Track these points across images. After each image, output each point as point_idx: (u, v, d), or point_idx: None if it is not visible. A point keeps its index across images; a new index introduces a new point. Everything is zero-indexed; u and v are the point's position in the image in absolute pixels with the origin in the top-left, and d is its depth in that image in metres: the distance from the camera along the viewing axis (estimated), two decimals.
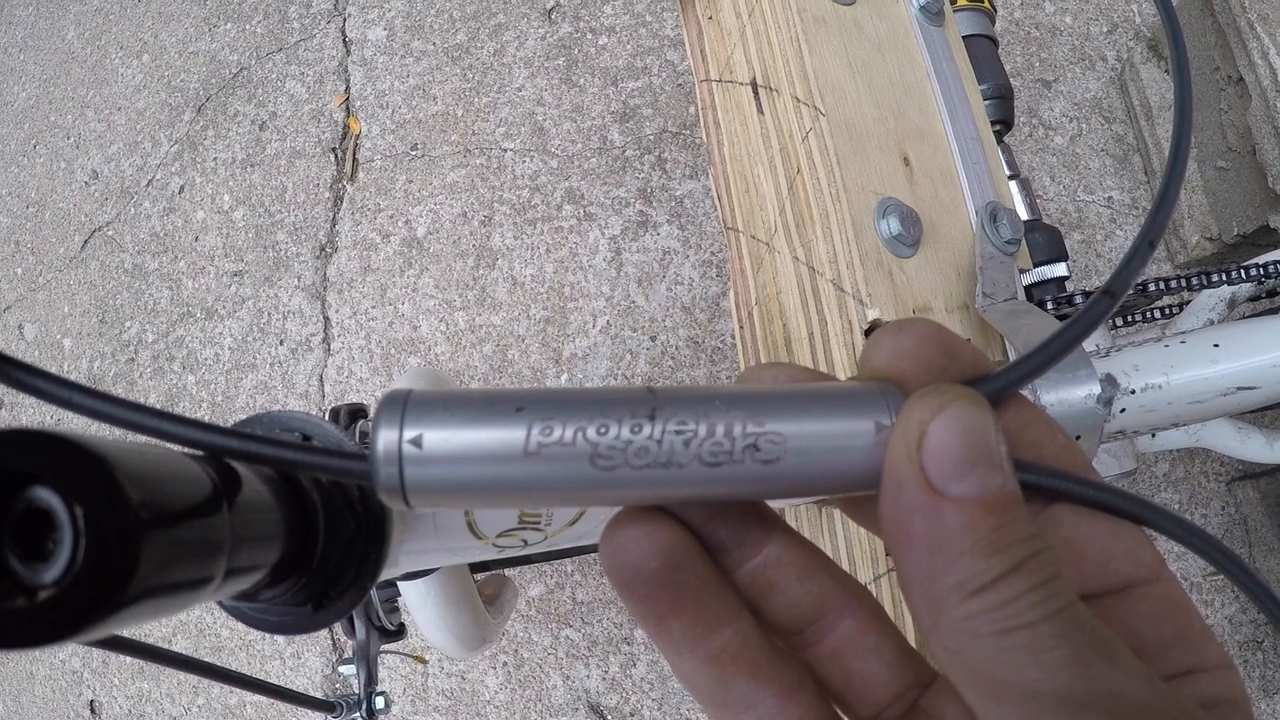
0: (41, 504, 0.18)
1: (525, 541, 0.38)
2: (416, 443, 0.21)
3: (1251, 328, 0.49)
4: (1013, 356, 0.47)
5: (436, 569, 0.51)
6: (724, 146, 0.65)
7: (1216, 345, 0.47)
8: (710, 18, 0.71)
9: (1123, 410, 0.46)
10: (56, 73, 2.38)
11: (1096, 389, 0.45)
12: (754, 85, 0.63)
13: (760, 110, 0.62)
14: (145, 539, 0.18)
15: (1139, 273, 0.25)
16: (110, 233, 2.03)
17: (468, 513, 0.35)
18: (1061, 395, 0.44)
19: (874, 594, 0.50)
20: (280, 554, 0.26)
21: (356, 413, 0.64)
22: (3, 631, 0.16)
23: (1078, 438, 0.45)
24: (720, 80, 0.68)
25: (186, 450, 0.23)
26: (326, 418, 0.53)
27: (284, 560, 0.26)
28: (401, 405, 0.21)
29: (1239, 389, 0.47)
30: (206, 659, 0.48)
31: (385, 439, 0.21)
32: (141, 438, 0.22)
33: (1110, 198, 1.51)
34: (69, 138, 2.24)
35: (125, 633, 0.23)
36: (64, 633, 0.17)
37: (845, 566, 0.52)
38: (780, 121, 0.59)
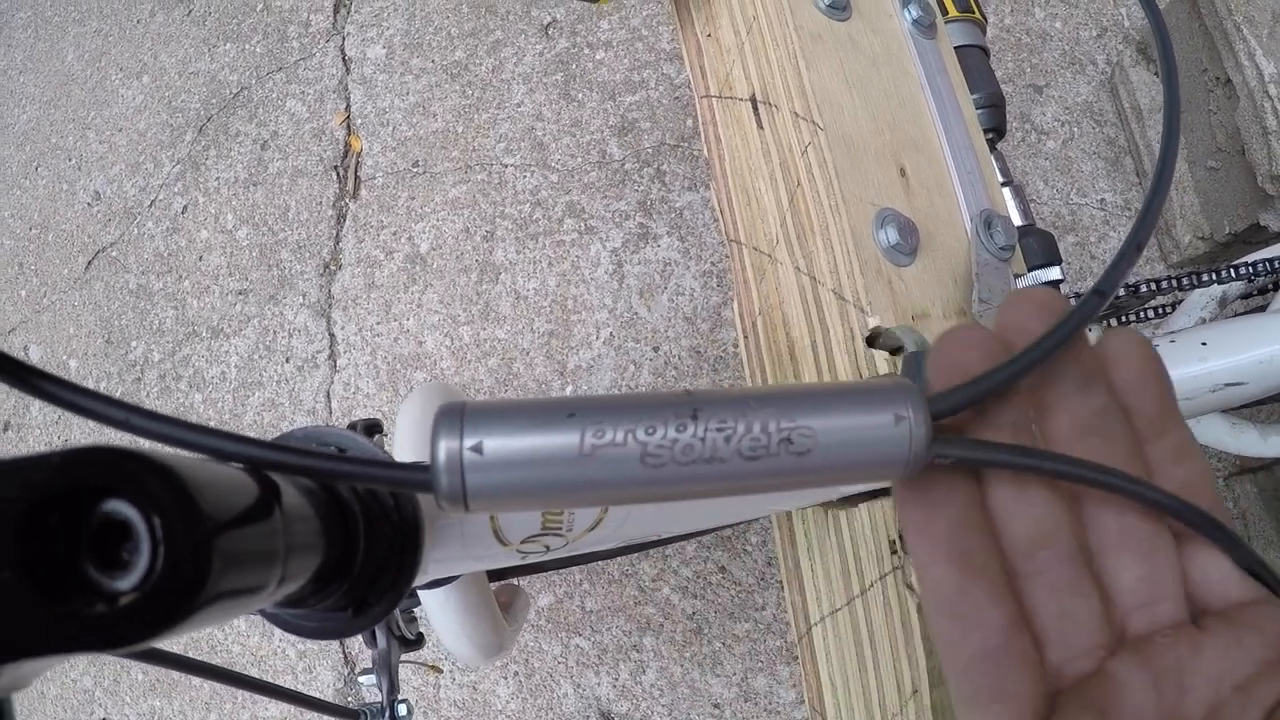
0: (118, 516, 0.19)
1: (547, 547, 0.40)
2: (477, 449, 0.23)
3: (1238, 326, 0.50)
4: None
5: (457, 577, 0.52)
6: (725, 161, 0.67)
7: (1204, 344, 0.49)
8: (709, 35, 0.73)
9: None
10: (57, 94, 2.40)
11: None
12: (753, 101, 0.65)
13: (760, 125, 0.63)
14: (216, 546, 0.19)
15: (1127, 273, 0.27)
16: (114, 253, 2.04)
17: (494, 519, 0.37)
18: None
19: (879, 592, 0.51)
20: (323, 560, 0.27)
21: (372, 428, 0.65)
22: (89, 635, 0.18)
23: None
24: (720, 96, 0.69)
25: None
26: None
27: (327, 567, 0.28)
28: (460, 415, 0.23)
29: (1227, 385, 0.48)
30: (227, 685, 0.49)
31: (447, 447, 0.23)
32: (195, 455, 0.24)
33: (1103, 200, 1.53)
34: (71, 159, 2.26)
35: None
36: (146, 634, 0.18)
37: (851, 565, 0.54)
38: (780, 136, 0.61)
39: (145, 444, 0.22)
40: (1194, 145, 1.48)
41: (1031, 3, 1.71)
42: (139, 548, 0.19)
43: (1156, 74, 1.58)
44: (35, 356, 2.02)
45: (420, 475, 0.23)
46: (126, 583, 0.19)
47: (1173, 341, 0.50)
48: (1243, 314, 0.87)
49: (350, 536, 0.29)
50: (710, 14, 0.73)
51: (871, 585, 0.52)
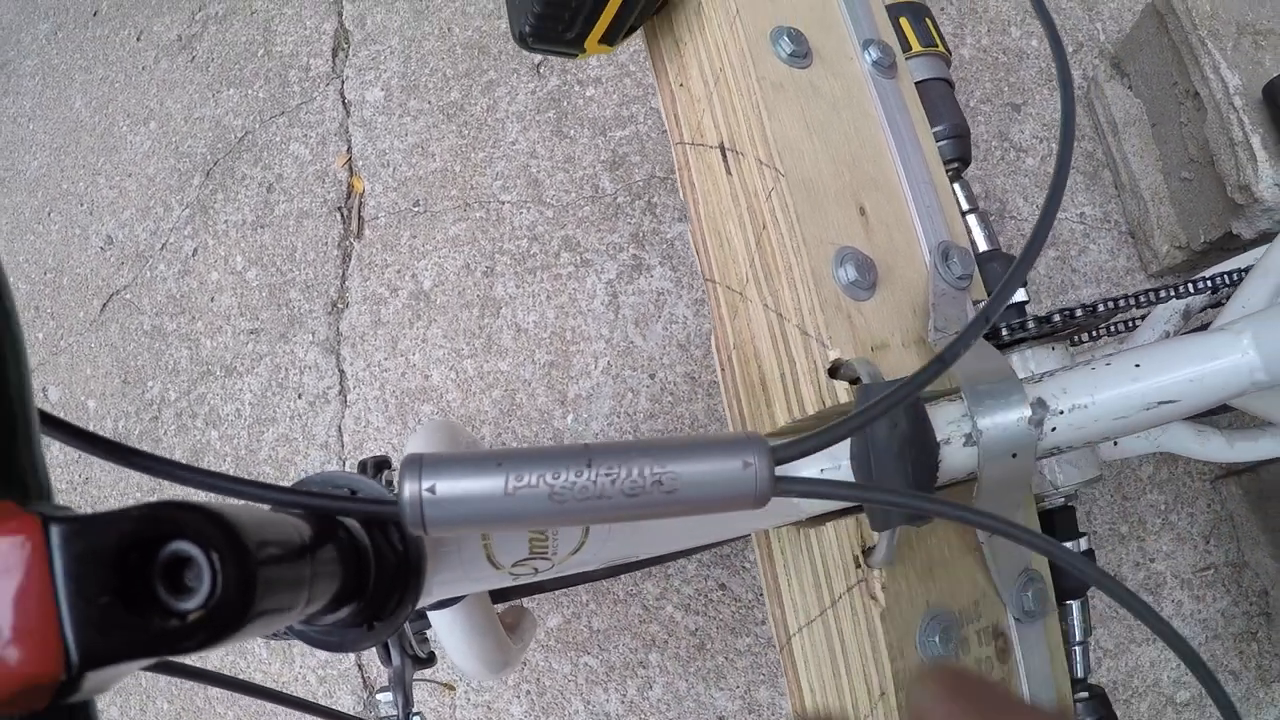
0: (183, 553, 0.24)
1: (536, 570, 0.45)
2: (432, 490, 0.31)
3: (1170, 347, 0.55)
4: (963, 383, 0.53)
5: (462, 598, 0.57)
6: (699, 205, 0.72)
7: (1138, 365, 0.53)
8: (681, 85, 0.78)
9: (1054, 429, 0.52)
10: (66, 141, 2.44)
11: (1028, 412, 0.51)
12: (722, 148, 0.70)
13: (729, 172, 0.68)
14: (259, 576, 0.24)
15: (972, 341, 0.33)
16: (128, 296, 2.09)
17: (486, 545, 0.42)
18: (996, 419, 0.51)
19: (847, 603, 0.56)
20: (340, 584, 0.33)
21: (381, 464, 0.71)
22: (166, 643, 0.23)
23: (1014, 456, 0.52)
24: (693, 143, 0.75)
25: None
26: (355, 469, 0.60)
27: (344, 589, 0.33)
28: (419, 464, 0.31)
29: (1160, 403, 0.53)
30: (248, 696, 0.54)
31: (410, 488, 0.31)
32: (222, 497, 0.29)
33: (1083, 213, 1.57)
34: (82, 204, 2.30)
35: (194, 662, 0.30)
36: (209, 643, 0.24)
37: (822, 579, 0.59)
38: (746, 182, 0.66)
39: (192, 492, 0.28)
40: (1168, 156, 1.52)
41: (1007, 22, 1.76)
42: (201, 577, 0.24)
43: (1130, 88, 1.63)
44: (54, 398, 2.08)
45: (392, 509, 0.32)
46: (192, 604, 0.24)
47: (1109, 364, 0.54)
48: (1185, 333, 0.92)
49: (362, 563, 0.34)
50: (682, 64, 0.78)
51: (840, 597, 0.57)
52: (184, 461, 0.30)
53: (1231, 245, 1.41)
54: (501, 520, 0.31)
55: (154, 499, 0.25)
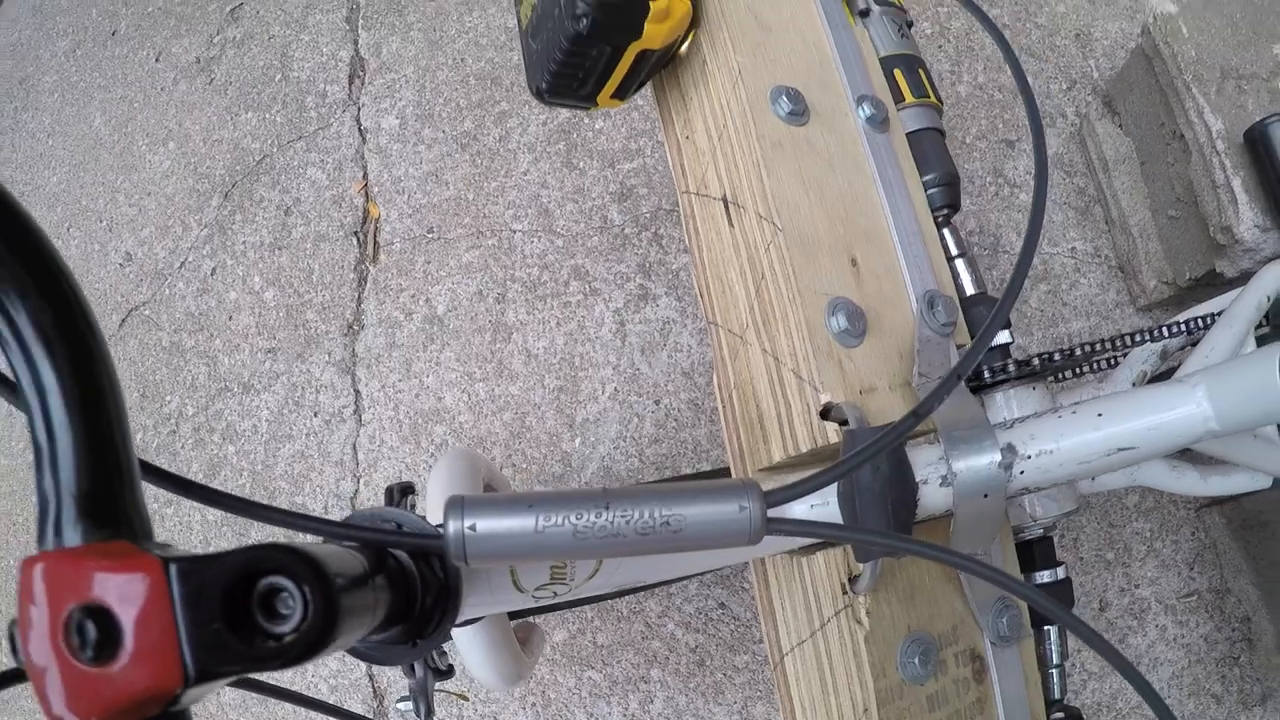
0: (278, 586, 0.30)
1: (555, 593, 0.50)
2: (473, 528, 0.36)
3: (1131, 397, 0.60)
4: (940, 428, 0.59)
5: (483, 617, 0.63)
6: (703, 252, 0.77)
7: (1100, 415, 0.59)
8: (687, 138, 0.83)
9: (1022, 472, 0.57)
10: (85, 158, 2.48)
11: (998, 456, 0.57)
12: (724, 201, 0.75)
13: (731, 224, 0.73)
14: (341, 603, 0.30)
15: (944, 398, 0.38)
16: (147, 312, 2.14)
17: (513, 572, 0.48)
18: (970, 463, 0.56)
19: (835, 626, 0.62)
20: (393, 607, 0.38)
21: (406, 489, 0.76)
22: (267, 661, 0.29)
23: (985, 495, 0.57)
24: (697, 194, 0.80)
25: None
26: (383, 494, 0.66)
27: (395, 611, 0.38)
28: (462, 505, 0.36)
29: (1119, 449, 0.58)
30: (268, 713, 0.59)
31: (454, 526, 0.36)
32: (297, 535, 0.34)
33: (1074, 248, 1.62)
34: (101, 221, 2.34)
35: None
36: (296, 662, 0.29)
37: (811, 602, 0.64)
38: (747, 234, 0.71)
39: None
40: (1156, 194, 1.57)
41: (1003, 60, 1.81)
42: (294, 606, 0.29)
43: (1121, 127, 1.68)
44: None
45: (438, 543, 0.37)
46: (286, 628, 0.29)
47: (1074, 413, 0.59)
48: (1159, 372, 0.97)
49: (410, 589, 0.40)
50: (688, 118, 0.83)
51: (829, 620, 0.62)
52: (247, 497, 0.36)
53: (1216, 281, 1.45)
54: (532, 554, 0.36)
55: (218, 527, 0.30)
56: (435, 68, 2.07)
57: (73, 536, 0.29)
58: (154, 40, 2.57)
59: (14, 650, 0.32)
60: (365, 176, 2.02)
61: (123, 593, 0.29)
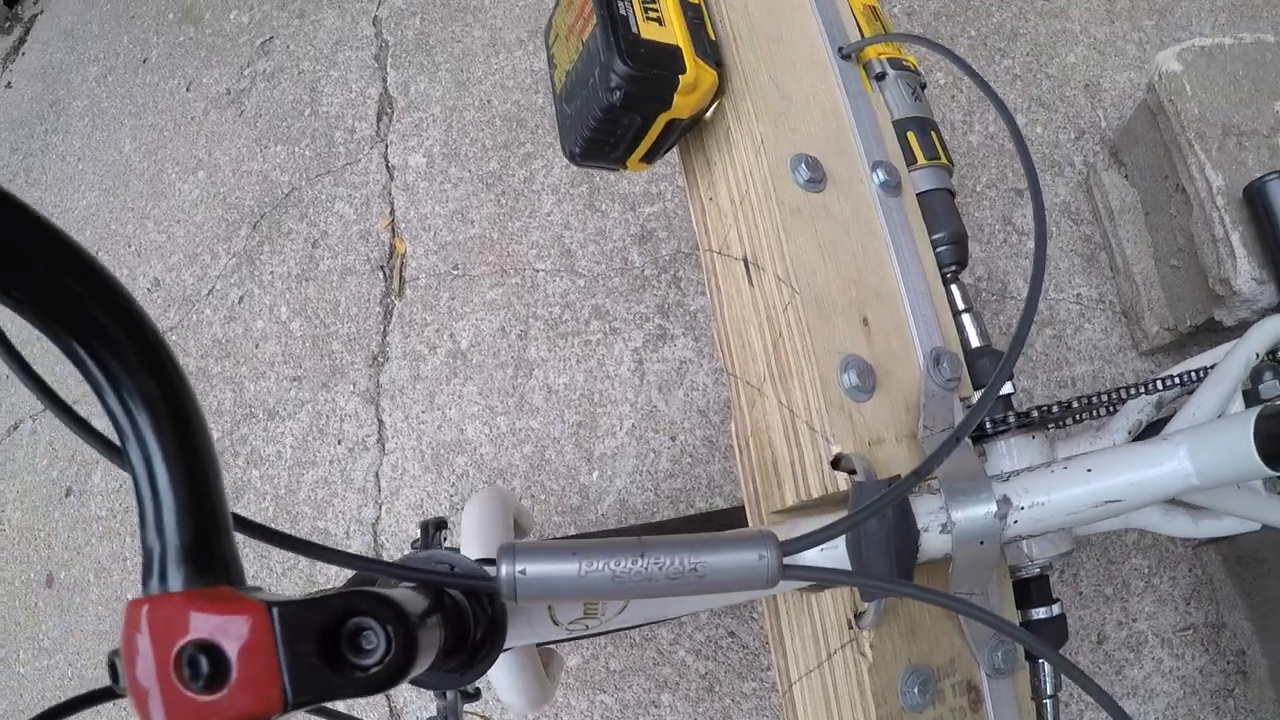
0: (364, 625, 0.35)
1: (586, 626, 0.55)
2: (524, 572, 0.41)
3: (1119, 455, 0.65)
4: (941, 480, 0.64)
5: (513, 647, 0.68)
6: (724, 308, 0.82)
7: (1089, 470, 0.63)
8: (710, 199, 0.88)
9: (1016, 521, 0.62)
10: (115, 184, 2.53)
11: (994, 507, 0.62)
12: (745, 261, 0.80)
13: (751, 283, 0.78)
14: (419, 639, 0.35)
15: (944, 459, 0.43)
16: (174, 337, 2.18)
17: (551, 609, 0.53)
18: (967, 513, 0.61)
19: (841, 658, 0.66)
20: (450, 641, 0.43)
21: (440, 524, 0.81)
22: (357, 689, 0.34)
23: (982, 543, 0.62)
24: (720, 253, 0.85)
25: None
26: (403, 521, 0.71)
27: (451, 645, 0.43)
28: (513, 552, 0.41)
29: (1106, 502, 0.63)
30: None
31: (506, 570, 0.41)
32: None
33: (1079, 294, 1.67)
34: (130, 246, 2.38)
35: None
36: (378, 691, 0.34)
37: (819, 635, 0.69)
38: (766, 294, 0.76)
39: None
40: (1159, 244, 1.62)
41: (1013, 109, 1.86)
42: (376, 642, 0.35)
43: (1126, 177, 1.73)
44: (100, 426, 2.17)
45: (490, 584, 0.42)
46: (370, 660, 0.34)
47: (1065, 468, 0.64)
48: (1142, 432, 1.01)
49: (464, 624, 0.45)
50: (711, 180, 0.88)
51: (835, 652, 0.67)
52: (323, 543, 0.41)
53: (1215, 328, 1.49)
54: (574, 595, 0.41)
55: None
56: (462, 108, 2.13)
57: (176, 582, 0.33)
58: (185, 70, 2.63)
59: (113, 676, 0.37)
60: (392, 212, 2.08)
61: (230, 632, 0.34)
